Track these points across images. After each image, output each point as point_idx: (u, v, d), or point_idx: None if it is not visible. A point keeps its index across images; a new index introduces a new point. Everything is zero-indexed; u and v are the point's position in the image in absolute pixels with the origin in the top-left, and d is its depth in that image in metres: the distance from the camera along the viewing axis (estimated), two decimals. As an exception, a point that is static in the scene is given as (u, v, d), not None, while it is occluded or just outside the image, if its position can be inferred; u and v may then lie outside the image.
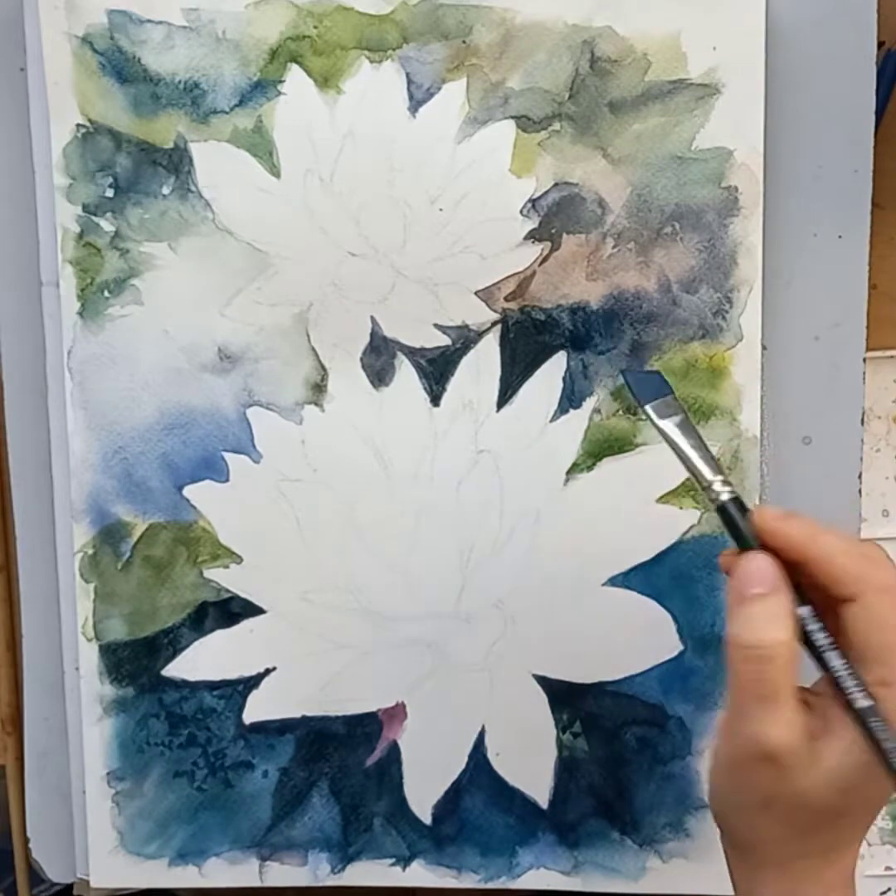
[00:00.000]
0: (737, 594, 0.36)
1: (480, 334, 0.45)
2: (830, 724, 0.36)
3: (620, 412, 0.45)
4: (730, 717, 0.37)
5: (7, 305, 0.46)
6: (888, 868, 0.52)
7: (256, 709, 0.47)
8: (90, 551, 0.46)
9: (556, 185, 0.44)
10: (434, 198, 0.44)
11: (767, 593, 0.36)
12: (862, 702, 0.35)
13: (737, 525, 0.37)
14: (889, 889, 0.52)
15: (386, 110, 0.43)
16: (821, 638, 0.36)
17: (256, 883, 0.48)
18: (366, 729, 0.47)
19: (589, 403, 0.45)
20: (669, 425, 0.38)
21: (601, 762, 0.47)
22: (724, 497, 0.37)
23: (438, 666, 0.46)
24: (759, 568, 0.36)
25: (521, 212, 0.44)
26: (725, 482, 0.37)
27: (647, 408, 0.38)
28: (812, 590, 0.36)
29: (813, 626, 0.36)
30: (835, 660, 0.35)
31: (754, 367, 0.44)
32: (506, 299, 0.44)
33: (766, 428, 0.45)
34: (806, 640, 0.36)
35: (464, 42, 0.43)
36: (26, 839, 0.50)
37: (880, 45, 0.44)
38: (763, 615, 0.36)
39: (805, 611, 0.36)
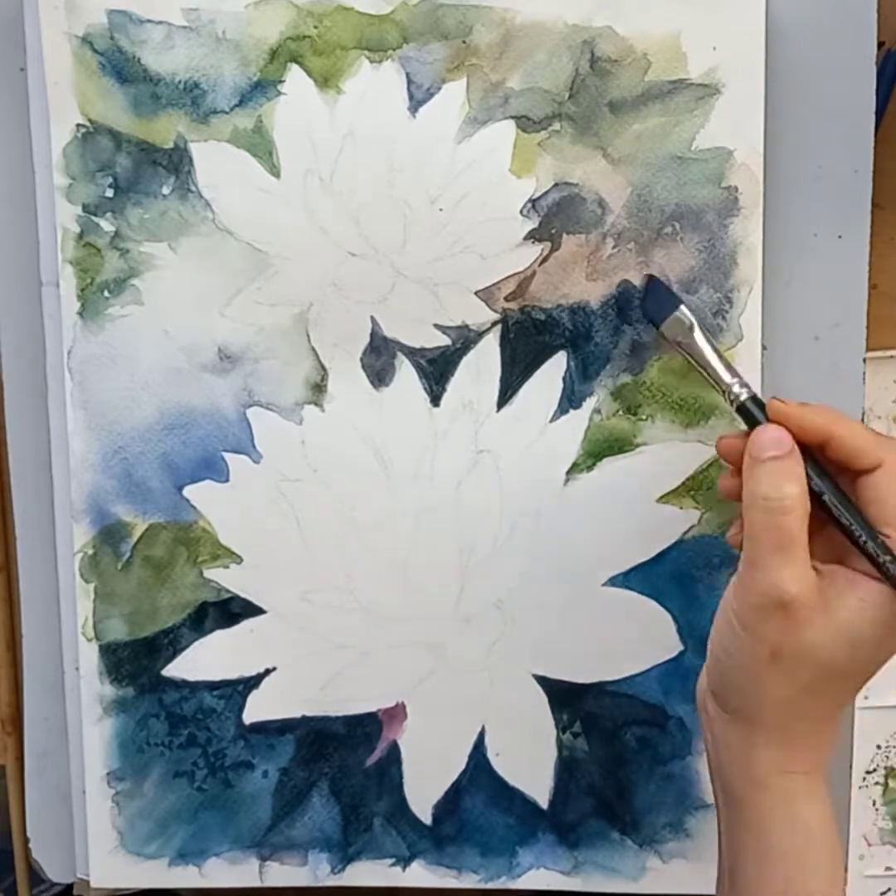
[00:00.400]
0: (752, 458, 0.39)
1: (480, 334, 0.45)
2: (842, 584, 0.38)
3: (620, 412, 0.45)
4: (744, 570, 0.39)
5: (7, 305, 0.46)
6: (888, 868, 0.52)
7: (256, 709, 0.47)
8: (90, 551, 0.46)
9: (556, 185, 0.44)
10: (434, 198, 0.44)
11: (782, 455, 0.39)
12: (881, 552, 0.38)
13: (758, 421, 0.40)
14: (889, 889, 0.52)
15: (386, 110, 0.43)
16: (837, 498, 0.39)
17: (256, 883, 0.48)
18: (366, 729, 0.47)
19: (589, 403, 0.45)
20: (682, 339, 0.42)
21: (601, 762, 0.47)
22: (744, 397, 0.40)
23: (438, 666, 0.46)
24: (772, 435, 0.39)
25: (521, 212, 0.44)
26: (743, 384, 0.41)
27: (662, 329, 0.42)
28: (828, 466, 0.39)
29: (828, 489, 0.39)
30: (852, 517, 0.38)
31: (754, 367, 0.44)
32: (506, 299, 0.44)
33: (766, 428, 0.45)
34: (824, 507, 0.39)
35: (464, 42, 0.43)
36: (26, 839, 0.50)
37: (880, 45, 0.44)
38: (779, 471, 0.38)
39: (816, 478, 0.39)
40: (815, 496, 0.39)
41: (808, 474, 0.38)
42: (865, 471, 0.39)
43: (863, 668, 0.39)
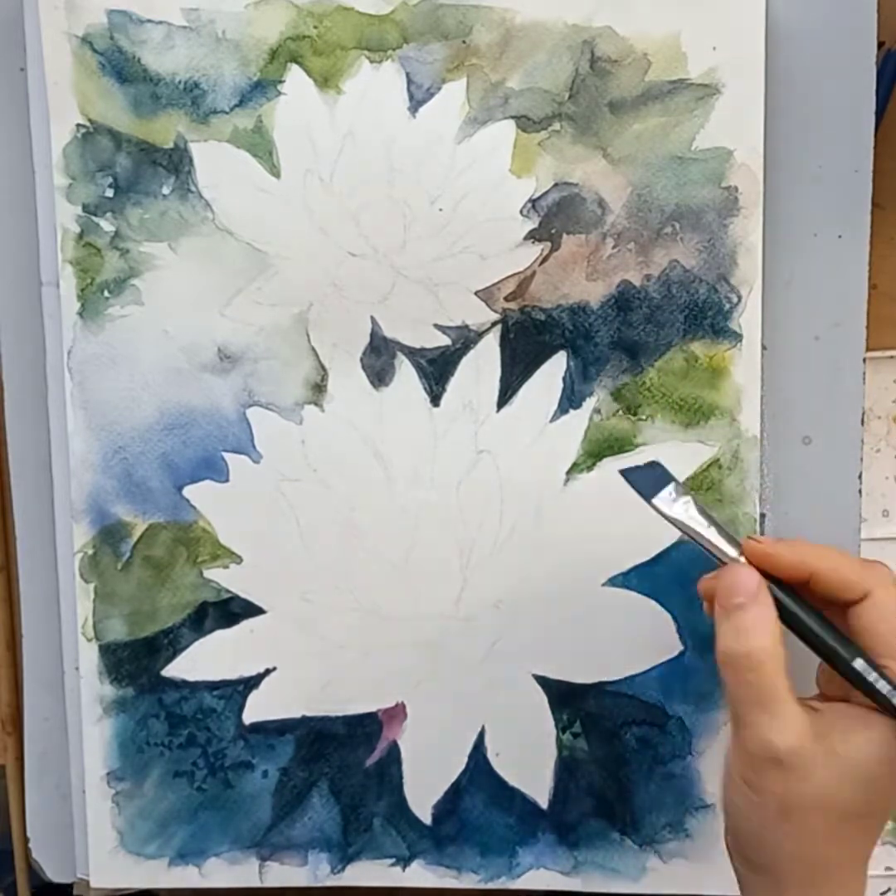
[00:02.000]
0: (720, 608, 0.37)
1: (480, 334, 0.45)
2: (846, 722, 0.36)
3: (620, 412, 0.45)
4: (734, 728, 0.37)
5: (7, 305, 0.46)
6: (888, 868, 0.52)
7: (256, 709, 0.47)
8: (90, 551, 0.46)
9: (556, 185, 0.44)
10: (434, 198, 0.44)
11: (748, 602, 0.37)
12: (883, 684, 0.36)
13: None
14: (889, 889, 0.52)
15: (386, 110, 0.43)
16: (826, 633, 0.37)
17: (256, 883, 0.48)
18: (366, 729, 0.47)
19: (589, 403, 0.45)
20: (680, 512, 0.39)
21: (601, 762, 0.47)
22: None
23: (438, 666, 0.46)
24: (738, 580, 0.37)
25: (521, 212, 0.44)
26: (741, 552, 0.38)
27: (655, 501, 0.39)
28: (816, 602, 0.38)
29: (814, 626, 0.37)
30: (846, 651, 0.37)
31: (754, 367, 0.44)
32: (506, 299, 0.44)
33: (766, 428, 0.45)
34: (814, 646, 0.37)
35: (464, 42, 0.43)
36: (26, 839, 0.50)
37: (880, 45, 0.44)
38: (745, 624, 0.37)
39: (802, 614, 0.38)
40: (802, 634, 0.37)
41: (792, 611, 0.37)
42: (853, 602, 0.37)
43: (881, 807, 0.37)
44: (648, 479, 0.40)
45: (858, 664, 0.37)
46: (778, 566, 0.38)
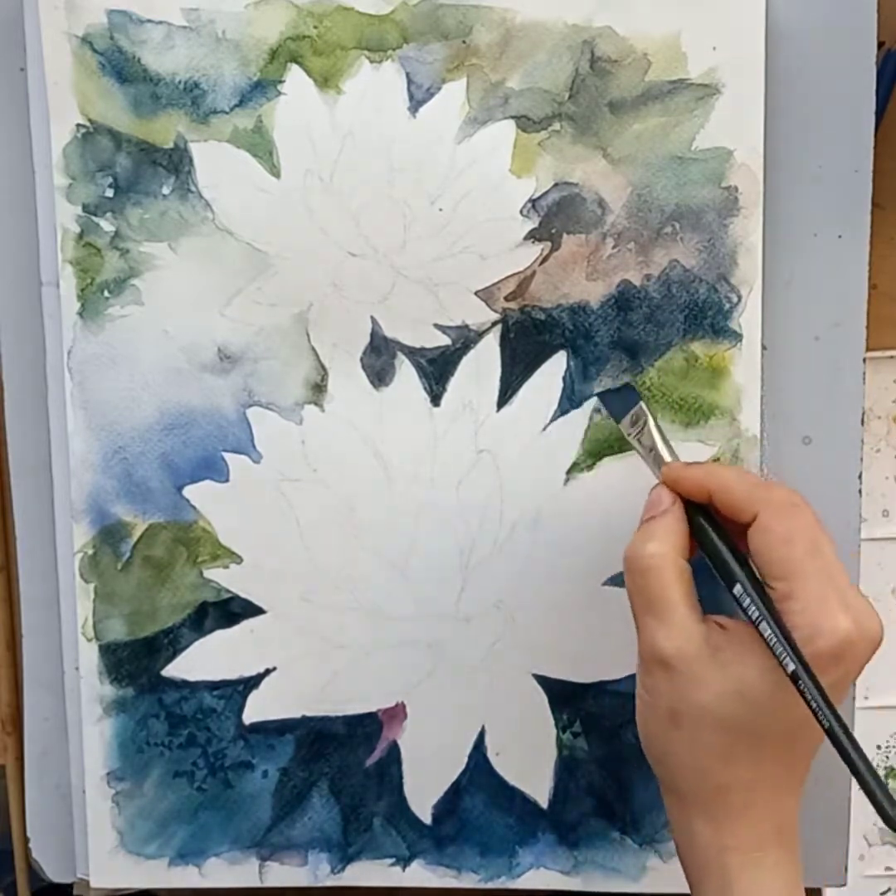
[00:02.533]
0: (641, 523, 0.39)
1: (480, 334, 0.45)
2: (742, 639, 0.37)
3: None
4: (638, 638, 0.39)
5: (7, 305, 0.46)
6: (888, 868, 0.52)
7: (256, 709, 0.47)
8: (90, 551, 0.46)
9: (556, 185, 0.44)
10: (434, 198, 0.44)
11: (655, 515, 0.39)
12: (753, 611, 0.36)
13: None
14: (889, 889, 0.52)
15: (386, 110, 0.43)
16: (724, 556, 0.38)
17: (256, 883, 0.48)
18: (366, 729, 0.47)
19: (589, 403, 0.45)
20: (634, 432, 0.42)
21: (601, 762, 0.47)
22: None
23: (438, 666, 0.46)
24: (653, 497, 0.39)
25: (521, 212, 0.44)
26: None
27: (621, 424, 0.42)
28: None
29: (713, 548, 0.38)
30: (731, 580, 0.38)
31: (754, 367, 0.44)
32: (506, 299, 0.44)
33: (766, 428, 0.45)
34: (715, 567, 0.38)
35: (464, 42, 0.43)
36: (26, 839, 0.50)
37: (880, 45, 0.44)
38: (645, 532, 0.39)
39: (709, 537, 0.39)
40: (707, 556, 0.38)
41: (699, 530, 0.38)
42: (746, 524, 0.38)
43: (772, 733, 0.37)
44: (619, 402, 0.43)
45: (736, 590, 0.37)
46: (685, 488, 0.39)
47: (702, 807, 0.38)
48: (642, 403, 0.42)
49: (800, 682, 0.35)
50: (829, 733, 0.35)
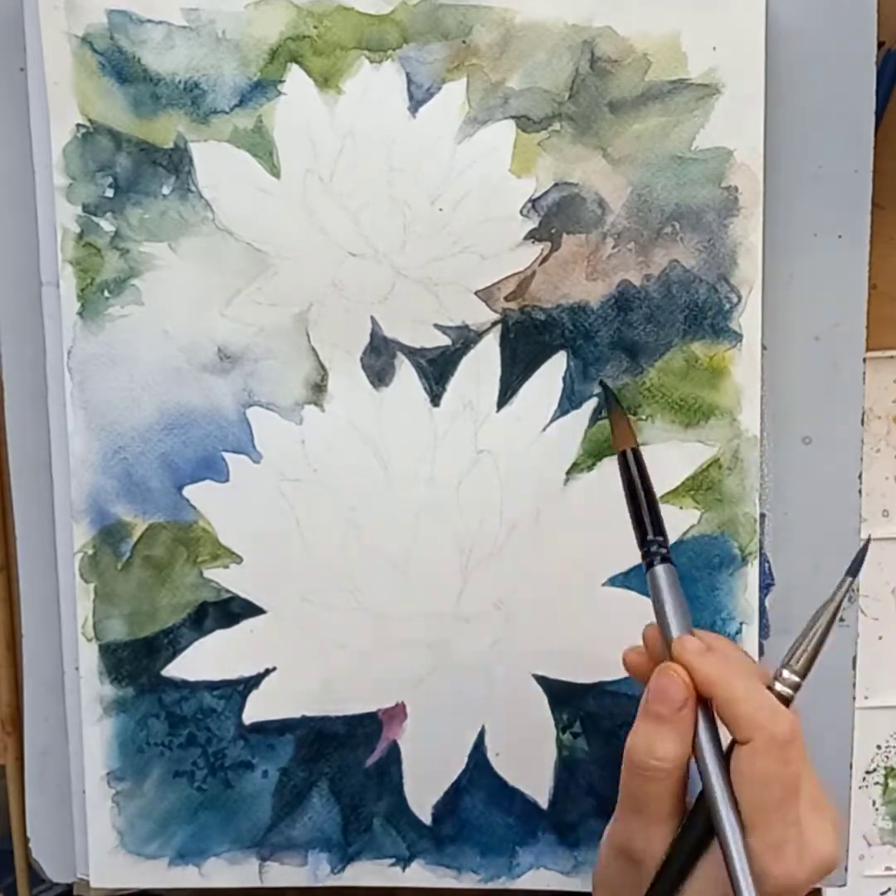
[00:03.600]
0: (643, 704, 0.37)
1: (480, 334, 0.45)
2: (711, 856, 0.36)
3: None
4: (615, 813, 0.38)
5: (7, 305, 0.46)
6: (888, 868, 0.52)
7: (256, 709, 0.47)
8: (90, 551, 0.46)
9: (556, 185, 0.44)
10: (434, 198, 0.44)
11: (666, 716, 0.36)
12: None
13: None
14: (889, 889, 0.52)
15: (386, 110, 0.43)
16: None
17: (256, 883, 0.48)
18: (366, 729, 0.47)
19: (589, 403, 0.45)
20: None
21: (601, 762, 0.47)
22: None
23: (438, 666, 0.46)
24: (667, 688, 0.37)
25: (521, 212, 0.44)
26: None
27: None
28: None
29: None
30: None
31: (754, 367, 0.44)
32: (506, 299, 0.44)
33: (766, 428, 0.45)
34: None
35: (464, 42, 0.43)
36: (26, 839, 0.49)
37: (880, 45, 0.44)
38: (655, 736, 0.37)
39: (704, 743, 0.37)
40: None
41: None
42: (740, 743, 0.36)
43: None
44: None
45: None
46: (691, 676, 0.37)
47: None
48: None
49: None
50: None
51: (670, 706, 0.37)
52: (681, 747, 0.36)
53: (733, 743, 0.36)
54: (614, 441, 0.42)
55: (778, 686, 0.37)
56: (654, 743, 0.37)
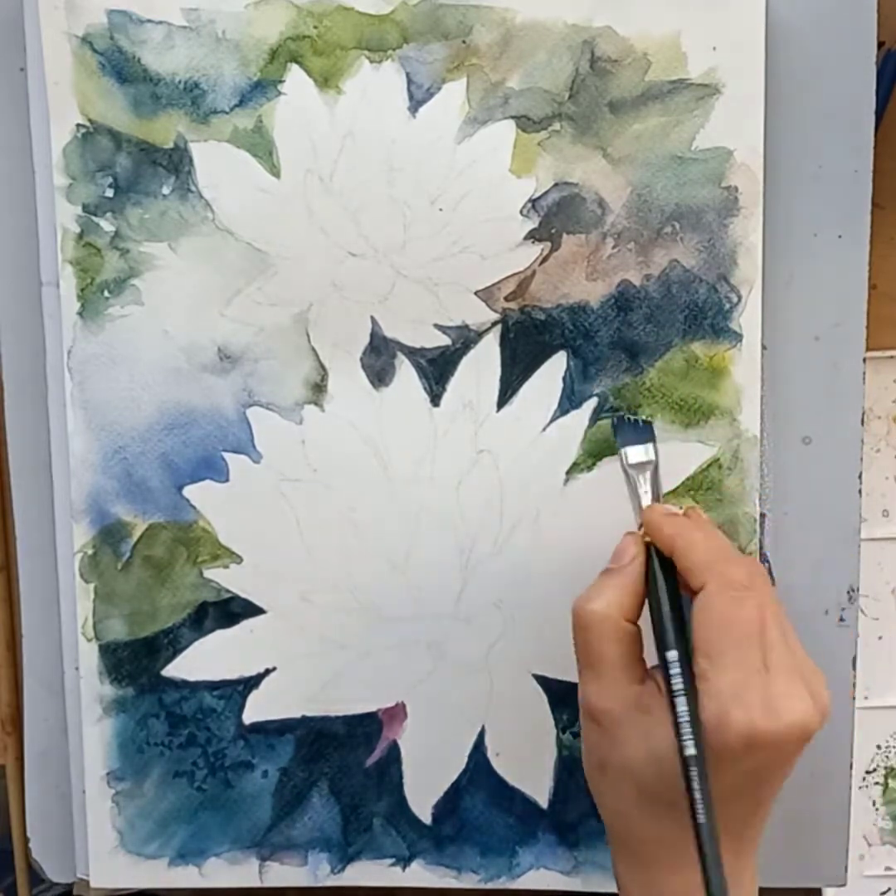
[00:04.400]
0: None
1: (480, 334, 0.45)
2: (666, 708, 0.36)
3: (621, 412, 0.45)
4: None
5: (7, 305, 0.46)
6: (888, 868, 0.52)
7: (256, 709, 0.47)
8: (90, 551, 0.46)
9: (556, 185, 0.44)
10: (434, 198, 0.44)
11: (613, 568, 0.39)
12: (680, 706, 0.36)
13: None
14: (889, 889, 0.52)
15: (386, 110, 0.43)
16: (663, 625, 0.37)
17: (256, 883, 0.48)
18: (366, 729, 0.47)
19: (589, 403, 0.45)
20: (632, 473, 0.41)
21: (601, 762, 0.47)
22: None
23: (438, 666, 0.46)
24: (619, 546, 0.39)
25: (521, 212, 0.44)
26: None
27: (622, 450, 0.42)
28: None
29: (661, 612, 0.38)
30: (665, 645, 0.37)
31: (754, 367, 0.44)
32: (506, 299, 0.44)
33: (766, 428, 0.45)
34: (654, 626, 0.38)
35: (464, 42, 0.43)
36: (26, 839, 0.50)
37: (880, 45, 0.44)
38: (596, 588, 0.39)
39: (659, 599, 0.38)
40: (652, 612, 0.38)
41: (654, 587, 0.38)
42: (696, 590, 0.37)
43: (674, 794, 0.36)
44: (632, 433, 0.42)
45: (669, 655, 0.37)
46: (656, 538, 0.39)
47: (632, 855, 0.39)
48: (653, 444, 0.42)
49: (689, 769, 0.34)
50: (697, 830, 0.34)
51: (618, 560, 0.39)
52: (620, 596, 0.38)
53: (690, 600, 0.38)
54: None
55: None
56: (593, 595, 0.38)
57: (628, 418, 0.44)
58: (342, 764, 0.47)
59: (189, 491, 0.46)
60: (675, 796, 0.35)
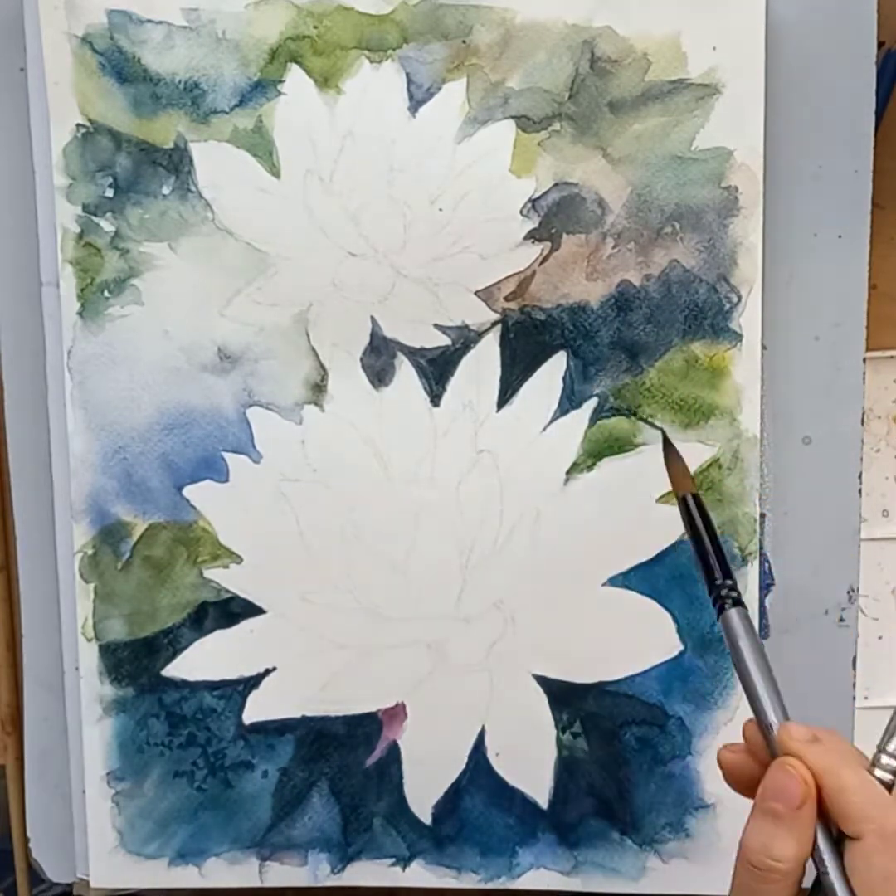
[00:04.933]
0: (759, 800, 0.35)
1: (480, 334, 0.45)
2: None
3: (620, 412, 0.45)
4: None
5: (7, 305, 0.46)
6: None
7: (256, 709, 0.47)
8: (90, 551, 0.46)
9: (556, 185, 0.44)
10: (434, 198, 0.44)
11: (784, 815, 0.35)
12: None
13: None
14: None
15: (386, 110, 0.43)
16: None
17: (256, 883, 0.48)
18: (366, 729, 0.47)
19: (589, 403, 0.45)
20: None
21: (601, 762, 0.47)
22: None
23: (438, 666, 0.46)
24: (786, 785, 0.35)
25: (521, 212, 0.44)
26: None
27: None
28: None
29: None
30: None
31: (754, 367, 0.44)
32: (506, 299, 0.44)
33: (766, 428, 0.45)
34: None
35: (464, 42, 0.43)
36: (26, 839, 0.50)
37: (880, 45, 0.44)
38: (774, 836, 0.35)
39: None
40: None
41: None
42: (851, 837, 0.34)
43: None
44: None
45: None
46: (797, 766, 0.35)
47: None
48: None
49: None
50: None
51: (789, 803, 0.34)
52: (799, 847, 0.35)
53: (841, 836, 0.35)
54: (673, 484, 0.41)
55: (878, 772, 0.35)
56: (773, 843, 0.34)
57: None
58: (342, 764, 0.47)
59: (189, 491, 0.46)
60: None
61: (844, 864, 0.34)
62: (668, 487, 0.45)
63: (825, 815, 0.35)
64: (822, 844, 0.35)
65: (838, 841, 0.35)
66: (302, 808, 0.47)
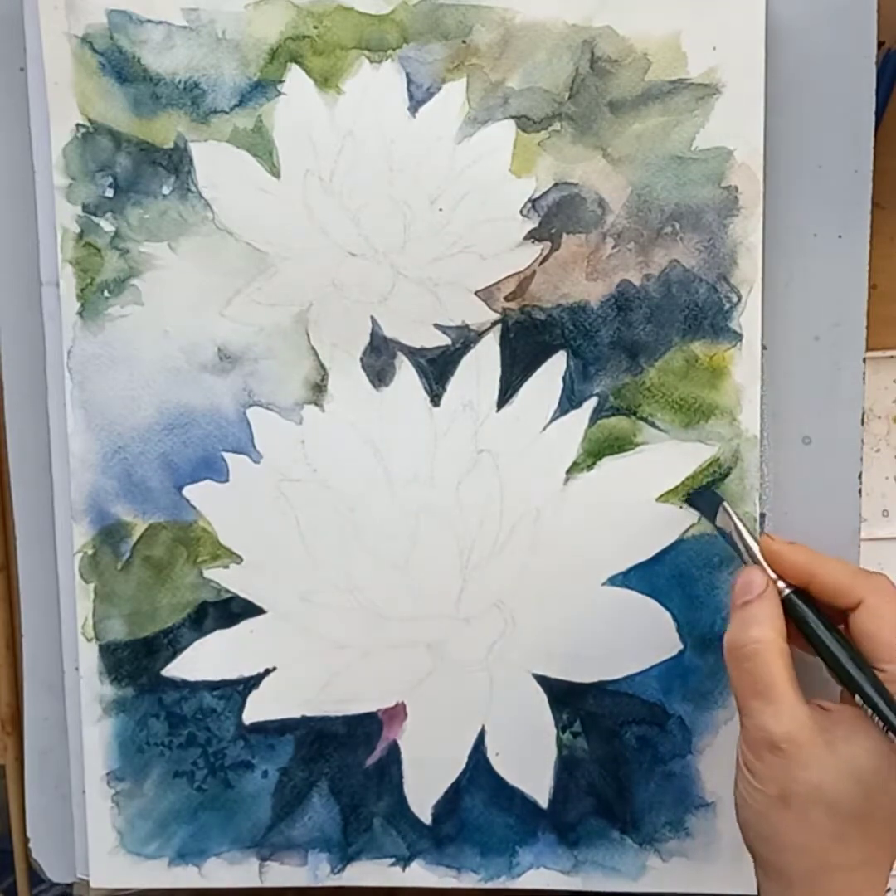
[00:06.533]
0: (732, 606, 0.40)
1: (480, 334, 0.45)
2: (849, 721, 0.37)
3: (620, 412, 0.45)
4: (741, 721, 0.39)
5: (7, 305, 0.46)
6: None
7: (256, 709, 0.47)
8: (90, 551, 0.46)
9: (556, 185, 0.44)
10: (434, 198, 0.44)
11: (753, 599, 0.39)
12: (873, 691, 0.37)
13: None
14: (889, 889, 0.52)
15: (386, 110, 0.43)
16: (829, 639, 0.39)
17: (256, 883, 0.48)
18: (366, 729, 0.47)
19: (589, 403, 0.45)
20: (724, 523, 0.43)
21: (601, 762, 0.47)
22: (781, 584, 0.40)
23: (438, 666, 0.46)
24: (748, 580, 0.40)
25: (521, 212, 0.44)
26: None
27: (717, 523, 0.43)
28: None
29: (818, 631, 0.39)
30: (844, 657, 0.38)
31: (754, 367, 0.44)
32: (506, 299, 0.44)
33: (766, 428, 0.45)
34: (818, 650, 0.39)
35: (464, 42, 0.43)
36: (26, 839, 0.50)
37: (880, 45, 0.44)
38: (747, 618, 0.39)
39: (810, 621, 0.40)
40: (810, 639, 0.39)
41: (802, 615, 0.39)
42: (850, 609, 0.39)
43: (882, 815, 0.37)
44: (706, 503, 0.44)
45: (856, 674, 0.38)
46: (784, 569, 0.40)
47: (807, 888, 0.38)
48: (725, 504, 0.43)
49: None
50: None
51: (749, 592, 0.39)
52: (773, 620, 0.39)
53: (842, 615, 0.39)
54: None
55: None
56: (748, 625, 0.39)
57: (696, 492, 0.45)
58: (342, 764, 0.47)
59: (189, 491, 0.46)
60: (873, 810, 0.37)
61: (852, 634, 0.39)
62: (669, 487, 0.45)
63: (821, 596, 0.39)
64: (815, 625, 0.39)
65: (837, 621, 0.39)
66: (302, 808, 0.47)
